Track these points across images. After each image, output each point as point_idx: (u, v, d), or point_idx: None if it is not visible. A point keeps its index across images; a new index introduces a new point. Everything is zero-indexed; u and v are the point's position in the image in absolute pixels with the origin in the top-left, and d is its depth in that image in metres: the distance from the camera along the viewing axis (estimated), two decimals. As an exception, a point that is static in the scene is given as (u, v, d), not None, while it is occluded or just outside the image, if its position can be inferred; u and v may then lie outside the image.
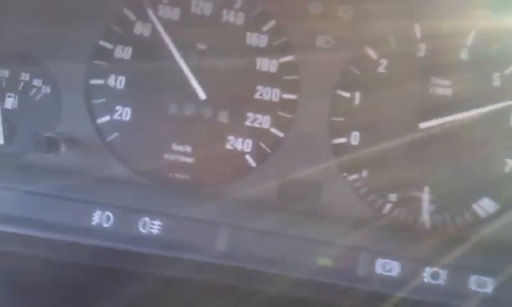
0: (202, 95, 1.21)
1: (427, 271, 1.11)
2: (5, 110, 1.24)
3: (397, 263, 1.11)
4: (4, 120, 1.23)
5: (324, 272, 1.11)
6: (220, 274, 1.09)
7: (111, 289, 1.14)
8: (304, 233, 1.14)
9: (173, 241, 1.13)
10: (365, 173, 1.22)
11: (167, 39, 1.21)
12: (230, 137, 1.23)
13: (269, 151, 1.23)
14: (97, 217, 1.14)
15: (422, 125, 1.19)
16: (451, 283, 1.11)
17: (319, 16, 1.23)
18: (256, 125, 1.23)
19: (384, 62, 1.23)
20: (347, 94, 1.23)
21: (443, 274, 1.11)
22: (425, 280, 1.11)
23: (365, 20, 1.23)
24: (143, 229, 1.14)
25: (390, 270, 1.12)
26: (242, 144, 1.23)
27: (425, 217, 1.20)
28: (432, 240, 1.17)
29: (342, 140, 1.22)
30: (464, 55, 1.21)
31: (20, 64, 1.24)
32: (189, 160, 1.23)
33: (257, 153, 1.23)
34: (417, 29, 1.22)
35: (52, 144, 1.14)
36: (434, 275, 1.11)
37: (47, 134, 1.15)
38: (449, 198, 1.20)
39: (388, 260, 1.12)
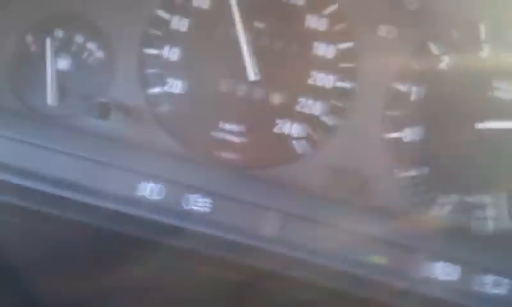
0: (252, 76, 1.18)
1: (489, 279, 1.07)
2: (57, 71, 1.23)
3: (458, 268, 1.07)
4: (56, 81, 1.22)
5: (379, 270, 1.08)
6: (267, 260, 1.07)
7: (147, 261, 1.13)
8: (356, 227, 1.11)
9: (220, 221, 1.11)
10: (416, 172, 1.18)
11: (232, 11, 1.17)
12: (279, 121, 1.20)
13: (319, 139, 1.20)
14: (141, 188, 1.13)
15: (478, 126, 1.15)
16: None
17: (383, 5, 1.19)
18: (307, 110, 1.20)
19: (445, 59, 1.18)
20: (404, 88, 1.19)
21: (505, 282, 1.07)
22: (487, 288, 1.07)
23: (429, 14, 1.18)
24: (186, 205, 1.12)
25: (450, 274, 1.08)
26: (291, 129, 1.20)
27: (485, 222, 1.16)
28: (495, 246, 1.13)
29: (395, 135, 1.19)
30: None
31: (76, 25, 1.24)
32: (236, 139, 1.21)
33: (307, 139, 1.20)
34: (482, 29, 1.18)
35: (103, 110, 1.13)
36: (496, 284, 1.07)
37: (100, 100, 1.14)
38: (504, 203, 1.15)
39: (449, 264, 1.08)
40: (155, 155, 1.17)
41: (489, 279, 1.07)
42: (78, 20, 1.23)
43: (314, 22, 1.21)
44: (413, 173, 1.18)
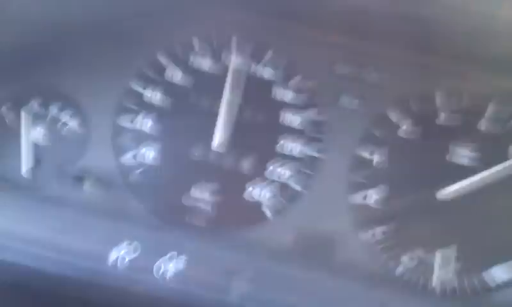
0: (215, 146, 1.22)
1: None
2: (32, 143, 1.26)
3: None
4: (30, 152, 1.25)
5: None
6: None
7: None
8: (317, 290, 1.14)
9: (186, 288, 1.13)
10: (379, 233, 1.23)
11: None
12: (249, 187, 1.25)
13: (287, 204, 1.25)
14: (113, 256, 1.14)
15: (439, 195, 1.21)
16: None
17: (344, 77, 1.27)
18: (275, 177, 1.25)
19: (404, 125, 1.26)
20: (367, 154, 1.26)
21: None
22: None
23: (388, 84, 1.26)
24: (159, 271, 1.14)
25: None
26: (261, 195, 1.25)
27: (436, 281, 1.21)
28: (442, 304, 1.19)
29: (359, 199, 1.24)
30: (482, 126, 1.24)
31: (50, 96, 1.27)
32: (207, 207, 1.25)
33: (274, 204, 1.25)
34: (438, 97, 1.26)
35: (77, 181, 1.16)
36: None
37: (74, 172, 1.16)
38: (466, 262, 1.21)
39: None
40: (125, 221, 1.19)
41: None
42: (53, 92, 1.27)
43: (281, 94, 1.27)
44: (377, 233, 1.23)
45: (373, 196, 1.24)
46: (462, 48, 1.21)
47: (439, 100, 1.26)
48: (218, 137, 1.22)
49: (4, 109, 1.27)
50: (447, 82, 1.26)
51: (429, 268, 1.21)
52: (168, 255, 1.14)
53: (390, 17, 1.12)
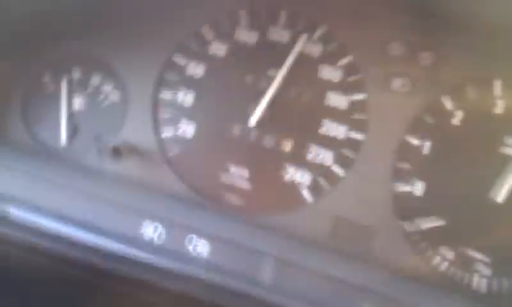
0: (253, 122, 1.19)
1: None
2: (71, 111, 1.25)
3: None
4: (69, 120, 1.24)
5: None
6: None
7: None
8: (351, 278, 1.10)
9: (219, 265, 1.11)
10: (424, 226, 1.17)
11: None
12: (290, 169, 1.21)
13: (327, 188, 1.20)
14: (147, 229, 1.13)
15: (491, 193, 1.14)
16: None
17: (397, 59, 1.20)
18: (317, 159, 1.20)
19: (459, 114, 1.18)
20: (416, 142, 1.19)
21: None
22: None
23: (444, 69, 1.19)
24: (191, 248, 1.12)
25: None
26: (301, 177, 1.21)
27: (482, 280, 1.15)
28: (487, 304, 1.13)
29: (405, 188, 1.18)
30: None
31: (92, 67, 1.26)
32: (246, 185, 1.22)
33: (315, 188, 1.20)
34: (497, 85, 1.18)
35: (115, 152, 1.14)
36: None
37: (113, 143, 1.14)
38: (508, 263, 1.15)
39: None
40: (163, 196, 1.18)
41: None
42: (95, 62, 1.26)
43: (328, 73, 1.21)
44: (421, 226, 1.17)
45: (420, 186, 1.18)
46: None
47: (497, 88, 1.17)
48: (259, 114, 1.18)
49: (46, 76, 1.27)
50: (507, 69, 1.17)
51: (475, 267, 1.15)
52: (204, 232, 1.12)
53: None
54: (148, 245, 1.12)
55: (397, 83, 1.20)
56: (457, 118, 1.18)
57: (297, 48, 1.21)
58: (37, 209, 1.13)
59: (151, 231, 1.13)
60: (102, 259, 1.12)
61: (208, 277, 1.09)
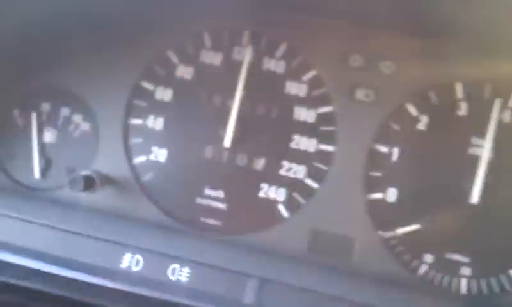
0: (227, 143, 1.19)
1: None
2: (43, 144, 1.25)
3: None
4: (41, 154, 1.24)
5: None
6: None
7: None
8: (333, 290, 1.10)
9: (201, 290, 1.10)
10: (400, 232, 1.19)
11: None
12: (264, 185, 1.22)
13: (302, 201, 1.21)
14: (127, 260, 1.12)
15: (465, 195, 1.16)
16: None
17: (359, 70, 1.22)
18: (291, 174, 1.22)
19: (424, 119, 1.21)
20: (385, 149, 1.21)
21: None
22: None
23: (405, 76, 1.22)
24: (172, 275, 1.12)
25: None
26: (276, 193, 1.22)
27: (461, 280, 1.17)
28: (467, 305, 1.14)
29: (378, 196, 1.20)
30: (506, 117, 1.19)
31: (61, 98, 1.26)
32: (222, 206, 1.22)
33: (290, 203, 1.21)
34: (458, 88, 1.21)
35: (88, 183, 1.14)
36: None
37: (84, 173, 1.15)
38: (486, 263, 1.17)
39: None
40: (139, 225, 1.18)
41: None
42: (63, 93, 1.26)
43: (294, 88, 1.24)
44: (397, 231, 1.19)
45: (392, 193, 1.20)
46: (483, 36, 1.15)
47: (459, 90, 1.21)
48: (230, 135, 1.19)
49: (15, 111, 1.27)
50: (468, 72, 1.21)
51: (454, 269, 1.17)
52: (182, 257, 1.12)
53: (403, 3, 1.07)
54: (128, 275, 1.11)
55: (360, 93, 1.22)
56: (422, 123, 1.21)
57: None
58: (13, 248, 1.12)
59: (132, 263, 1.12)
60: (82, 294, 1.11)
61: (191, 304, 1.08)
